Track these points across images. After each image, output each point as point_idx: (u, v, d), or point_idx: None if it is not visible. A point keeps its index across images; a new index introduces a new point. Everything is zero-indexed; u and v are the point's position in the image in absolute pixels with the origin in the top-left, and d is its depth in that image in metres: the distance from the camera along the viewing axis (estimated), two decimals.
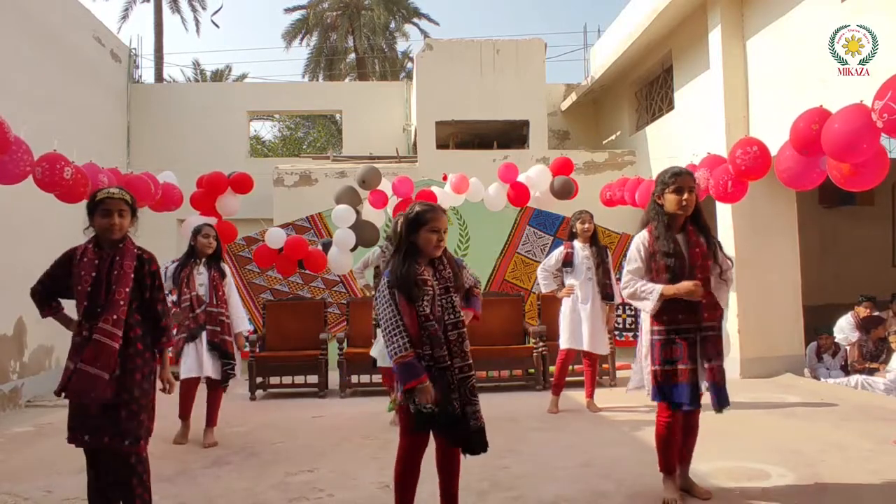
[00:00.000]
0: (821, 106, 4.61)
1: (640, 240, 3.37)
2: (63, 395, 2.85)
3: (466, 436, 2.80)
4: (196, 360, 4.75)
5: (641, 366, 3.40)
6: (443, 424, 2.79)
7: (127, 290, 2.85)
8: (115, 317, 2.79)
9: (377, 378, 6.28)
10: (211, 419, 4.88)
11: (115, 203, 2.88)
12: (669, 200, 3.28)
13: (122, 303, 2.82)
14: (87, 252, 2.89)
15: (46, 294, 3.02)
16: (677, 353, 3.21)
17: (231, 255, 8.22)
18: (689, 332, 3.21)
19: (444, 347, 2.79)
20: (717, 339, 3.26)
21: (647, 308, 3.27)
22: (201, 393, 4.97)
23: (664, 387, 3.23)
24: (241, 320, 5.08)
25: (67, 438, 2.87)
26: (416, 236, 2.85)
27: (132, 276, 2.87)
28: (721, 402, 3.25)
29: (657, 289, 3.20)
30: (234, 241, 7.89)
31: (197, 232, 4.90)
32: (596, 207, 6.69)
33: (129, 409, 2.79)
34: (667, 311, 3.23)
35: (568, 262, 5.53)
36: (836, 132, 4.23)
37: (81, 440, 2.83)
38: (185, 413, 4.90)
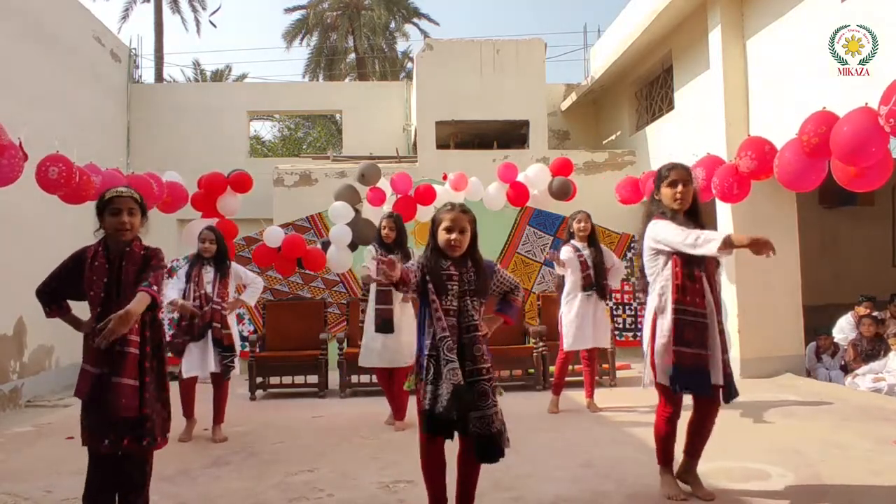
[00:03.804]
0: (824, 108, 4.62)
1: (664, 221, 3.27)
2: (82, 397, 2.79)
3: (472, 440, 2.80)
4: (200, 360, 4.86)
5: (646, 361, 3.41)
6: (439, 424, 2.79)
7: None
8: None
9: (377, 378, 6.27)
10: (218, 416, 4.96)
11: (124, 201, 2.84)
12: (665, 194, 3.29)
13: None
14: (98, 256, 2.85)
15: (54, 295, 2.95)
16: (689, 336, 3.18)
17: None
18: (702, 318, 3.19)
19: (455, 348, 2.80)
20: (724, 333, 3.29)
21: (711, 249, 3.05)
22: (205, 393, 5.01)
23: (684, 369, 3.15)
24: (252, 295, 5.30)
25: (83, 441, 2.80)
26: (437, 235, 2.92)
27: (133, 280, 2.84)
28: (733, 393, 3.27)
29: (722, 234, 3.04)
30: (234, 240, 7.88)
31: (198, 237, 5.12)
32: (596, 207, 6.69)
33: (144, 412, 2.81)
34: (687, 292, 3.20)
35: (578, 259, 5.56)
36: (845, 136, 4.22)
37: (100, 444, 2.76)
38: (188, 412, 4.97)
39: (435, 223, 2.96)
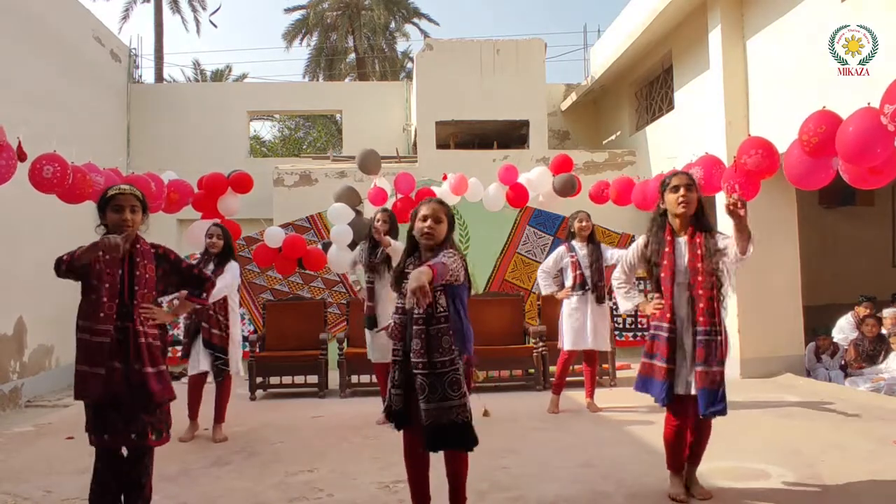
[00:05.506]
0: (824, 107, 4.60)
1: (639, 242, 3.55)
2: (94, 400, 2.78)
3: (425, 431, 2.82)
4: (196, 358, 4.91)
5: None
6: (397, 417, 2.96)
7: (153, 293, 2.92)
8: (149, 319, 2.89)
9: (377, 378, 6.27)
10: (219, 416, 4.97)
11: (126, 199, 2.88)
12: (669, 200, 3.36)
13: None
14: None
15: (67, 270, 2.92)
16: (656, 350, 3.32)
17: None
18: (671, 332, 3.26)
19: (401, 341, 2.95)
20: (711, 344, 3.19)
21: (624, 307, 3.68)
22: (207, 395, 5.02)
23: (643, 378, 3.38)
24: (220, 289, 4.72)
25: (91, 441, 2.82)
26: (413, 228, 3.00)
27: (154, 277, 2.92)
28: (705, 407, 3.16)
29: (636, 301, 3.59)
30: (236, 240, 7.87)
31: (205, 233, 5.14)
32: (596, 207, 6.69)
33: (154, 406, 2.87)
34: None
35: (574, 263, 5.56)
36: (851, 137, 4.20)
37: (107, 440, 2.78)
38: (192, 413, 4.99)
39: (413, 218, 3.03)
